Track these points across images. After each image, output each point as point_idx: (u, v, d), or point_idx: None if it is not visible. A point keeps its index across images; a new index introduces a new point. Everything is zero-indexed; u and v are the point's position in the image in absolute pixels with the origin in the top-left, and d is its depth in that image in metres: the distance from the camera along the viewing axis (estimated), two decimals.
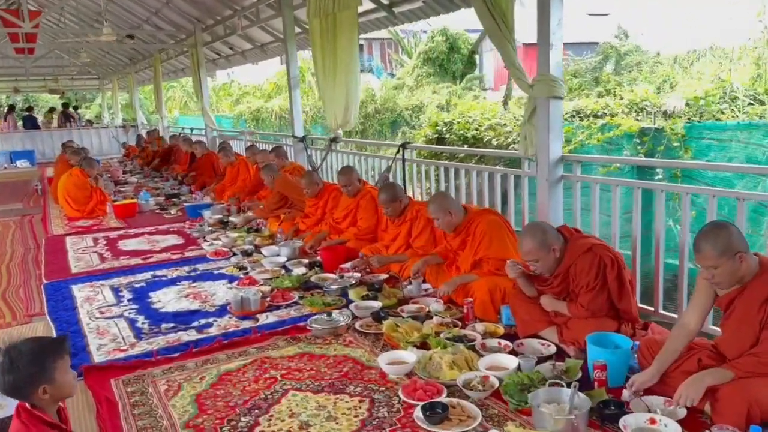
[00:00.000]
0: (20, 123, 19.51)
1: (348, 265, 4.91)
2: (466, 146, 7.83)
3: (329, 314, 3.80)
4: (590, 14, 35.69)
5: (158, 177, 11.80)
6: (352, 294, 4.27)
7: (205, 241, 6.37)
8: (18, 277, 5.40)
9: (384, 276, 4.69)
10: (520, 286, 3.41)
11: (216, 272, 5.21)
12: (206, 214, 7.46)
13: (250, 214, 7.11)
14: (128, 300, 4.57)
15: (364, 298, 4.17)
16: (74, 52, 17.72)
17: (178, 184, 10.46)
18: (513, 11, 4.00)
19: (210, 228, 6.81)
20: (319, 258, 5.27)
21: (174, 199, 9.08)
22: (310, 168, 7.62)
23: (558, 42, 3.71)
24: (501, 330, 3.51)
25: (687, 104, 8.98)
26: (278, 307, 4.24)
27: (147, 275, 5.20)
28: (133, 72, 18.34)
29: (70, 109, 21.95)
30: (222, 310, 4.24)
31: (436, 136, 8.55)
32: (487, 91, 30.67)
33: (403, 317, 3.78)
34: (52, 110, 21.75)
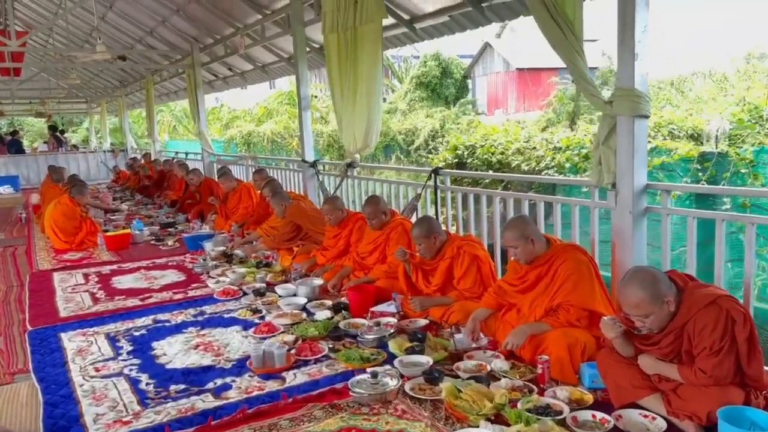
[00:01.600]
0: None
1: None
2: (490, 171, 7.27)
3: (374, 375, 3.16)
4: (585, 40, 35.80)
5: (150, 204, 11.13)
6: (392, 346, 3.64)
7: (210, 277, 5.73)
8: None
9: (423, 321, 4.08)
10: (615, 345, 2.80)
11: (226, 316, 4.56)
12: (208, 246, 6.81)
13: (257, 244, 6.49)
14: (128, 353, 3.90)
15: (408, 350, 3.54)
16: (62, 73, 17.13)
17: (173, 212, 9.83)
18: (581, 19, 3.49)
19: (214, 262, 6.16)
20: (344, 299, 4.65)
21: (170, 229, 8.42)
22: (322, 196, 7.03)
23: (644, 51, 3.17)
24: (589, 397, 2.89)
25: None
26: (306, 363, 3.60)
27: (147, 320, 4.54)
28: (123, 95, 17.76)
29: (57, 132, 21.28)
30: (240, 366, 3.59)
31: (456, 160, 8.00)
32: (481, 116, 30.53)
33: (461, 378, 3.17)
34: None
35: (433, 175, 5.04)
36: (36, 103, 20.93)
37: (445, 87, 34.59)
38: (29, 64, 16.88)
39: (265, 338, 3.98)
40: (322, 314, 4.39)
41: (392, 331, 3.83)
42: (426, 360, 3.39)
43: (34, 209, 10.59)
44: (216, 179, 10.18)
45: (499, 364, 3.28)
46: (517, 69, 32.49)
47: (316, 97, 34.16)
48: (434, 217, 4.20)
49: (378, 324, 3.87)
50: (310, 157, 7.12)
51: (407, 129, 27.03)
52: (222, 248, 6.77)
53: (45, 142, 21.45)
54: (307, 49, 8.04)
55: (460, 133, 26.59)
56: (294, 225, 5.99)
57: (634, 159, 3.23)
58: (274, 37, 8.13)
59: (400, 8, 6.26)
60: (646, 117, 3.25)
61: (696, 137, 8.45)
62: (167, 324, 4.43)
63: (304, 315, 4.44)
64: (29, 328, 4.47)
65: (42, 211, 9.85)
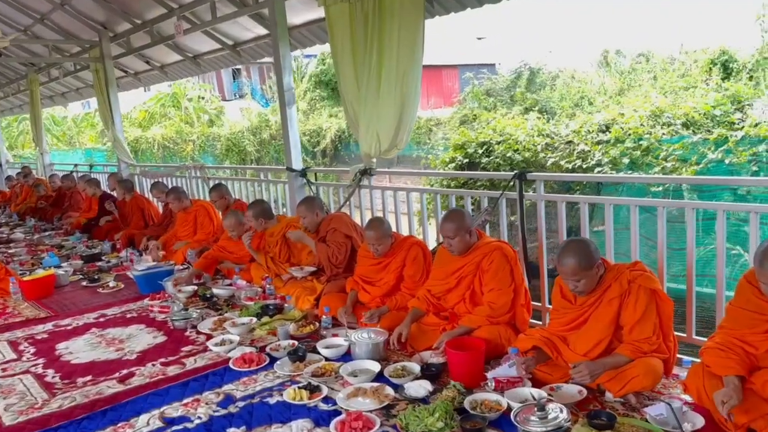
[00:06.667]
0: None
1: (502, 368, 3.09)
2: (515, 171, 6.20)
3: None
4: (479, 38, 36.15)
5: (51, 230, 9.03)
6: None
7: (200, 333, 4.20)
8: None
9: (574, 390, 2.91)
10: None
11: (272, 402, 3.12)
12: (169, 286, 5.22)
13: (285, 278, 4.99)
14: None
15: None
16: None
17: (88, 239, 7.94)
18: None
19: (196, 311, 4.59)
20: (433, 358, 3.38)
21: (98, 263, 6.59)
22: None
23: None
24: None
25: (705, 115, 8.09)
26: None
27: (153, 419, 2.99)
28: None
29: None
30: None
31: (467, 160, 6.85)
32: None
33: None
34: None
35: (517, 180, 3.86)
36: None
37: None
38: None
39: None
40: (417, 388, 3.08)
41: (568, 417, 2.60)
42: None
43: None
44: (144, 194, 8.40)
45: None
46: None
47: (202, 98, 31.86)
48: (588, 239, 3.03)
49: (542, 408, 2.61)
50: (298, 164, 5.66)
51: (311, 130, 25.73)
52: (192, 288, 5.22)
53: None
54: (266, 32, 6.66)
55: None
56: (348, 241, 4.49)
57: None
58: (228, 18, 6.54)
59: None
60: None
61: (688, 126, 7.93)
62: (189, 426, 2.92)
63: (389, 389, 3.10)
64: None
65: None
